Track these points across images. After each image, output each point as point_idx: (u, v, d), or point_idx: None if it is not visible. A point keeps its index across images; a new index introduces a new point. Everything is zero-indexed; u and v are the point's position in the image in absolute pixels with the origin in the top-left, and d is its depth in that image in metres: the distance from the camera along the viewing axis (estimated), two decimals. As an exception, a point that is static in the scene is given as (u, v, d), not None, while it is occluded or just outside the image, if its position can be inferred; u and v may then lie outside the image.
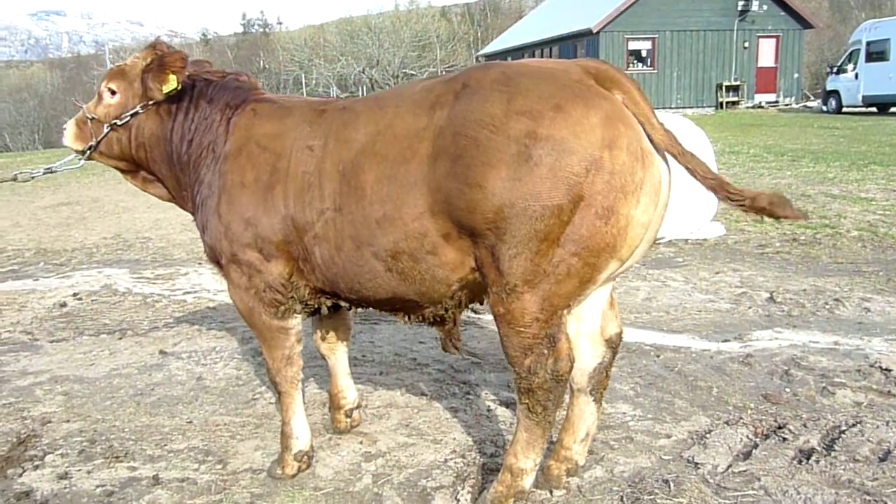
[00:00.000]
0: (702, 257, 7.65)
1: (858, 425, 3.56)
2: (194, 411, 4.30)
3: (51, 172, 3.77)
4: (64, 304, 7.22)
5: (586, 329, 3.04)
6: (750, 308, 5.79)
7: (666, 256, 7.77)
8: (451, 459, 3.57)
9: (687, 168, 2.65)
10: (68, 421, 4.26)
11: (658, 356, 4.81)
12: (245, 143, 3.15)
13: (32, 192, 16.80)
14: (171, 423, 4.14)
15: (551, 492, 3.17)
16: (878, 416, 3.70)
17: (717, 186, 2.65)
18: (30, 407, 4.49)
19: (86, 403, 4.52)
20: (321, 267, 3.03)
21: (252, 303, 3.22)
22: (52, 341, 5.86)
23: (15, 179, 3.81)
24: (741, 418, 3.76)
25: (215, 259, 3.28)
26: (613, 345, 3.08)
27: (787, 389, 4.14)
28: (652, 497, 3.06)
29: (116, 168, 3.62)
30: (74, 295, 7.57)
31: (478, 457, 3.57)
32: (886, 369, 4.30)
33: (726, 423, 3.74)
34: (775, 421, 3.70)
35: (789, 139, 18.83)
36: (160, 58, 3.26)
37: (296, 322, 3.32)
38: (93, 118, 3.46)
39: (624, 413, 3.97)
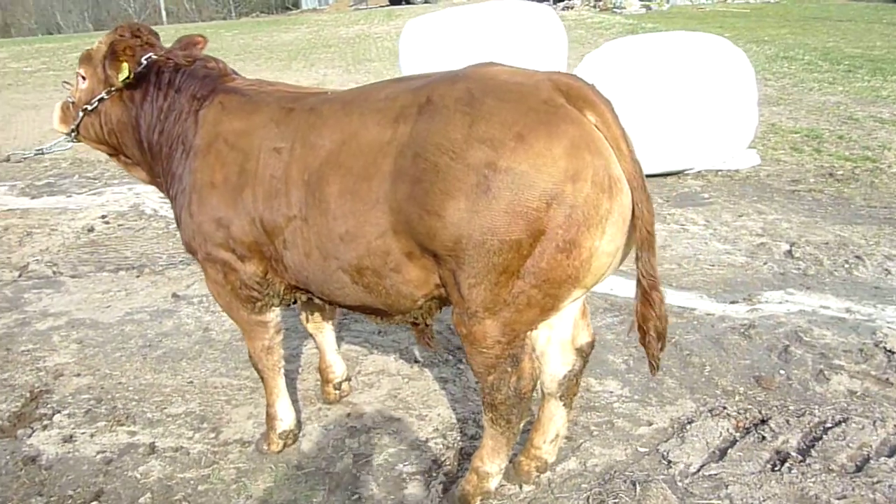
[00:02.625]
0: (729, 193, 7.40)
1: (843, 424, 3.51)
2: (196, 369, 4.46)
3: (41, 154, 3.81)
4: (91, 229, 7.43)
5: (557, 337, 3.01)
6: (766, 263, 5.63)
7: (692, 191, 7.54)
8: (432, 439, 3.66)
9: (635, 206, 2.52)
10: (79, 375, 4.47)
11: (659, 322, 4.76)
12: (213, 139, 3.09)
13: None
14: (172, 383, 4.31)
15: (521, 486, 3.25)
16: (868, 411, 3.64)
17: (648, 248, 2.55)
18: (45, 356, 4.72)
19: (97, 354, 4.72)
20: (292, 269, 3.03)
21: (229, 297, 3.25)
22: (73, 276, 6.07)
23: (8, 160, 3.87)
24: (725, 408, 3.74)
25: (192, 252, 3.30)
26: (584, 354, 3.05)
27: (782, 371, 4.08)
28: (616, 500, 3.11)
29: (100, 151, 3.63)
30: (103, 217, 7.77)
31: (458, 438, 3.66)
32: (890, 350, 4.19)
33: (710, 411, 3.73)
34: (759, 413, 3.68)
35: (851, 40, 17.67)
36: (111, 45, 3.19)
37: (274, 315, 3.36)
38: (73, 102, 3.45)
39: (611, 392, 3.99)
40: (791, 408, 3.72)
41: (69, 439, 3.82)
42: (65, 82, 3.93)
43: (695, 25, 22.04)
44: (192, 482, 3.45)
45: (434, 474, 3.39)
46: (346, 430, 3.78)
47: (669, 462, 3.36)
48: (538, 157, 2.41)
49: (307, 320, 3.82)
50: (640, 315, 2.70)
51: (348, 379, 4.02)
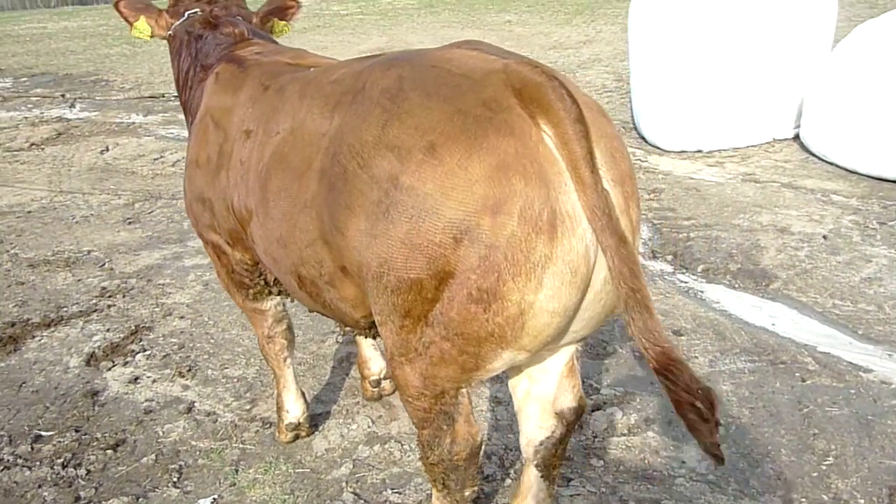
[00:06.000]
0: None
1: None
2: (277, 333, 4.41)
3: None
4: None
5: (537, 392, 2.38)
6: None
7: (959, 210, 5.83)
8: (444, 468, 3.21)
9: (604, 254, 1.79)
10: (182, 317, 4.67)
11: (803, 381, 3.72)
12: (205, 114, 2.89)
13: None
14: (248, 343, 4.32)
15: (497, 557, 2.71)
16: None
17: (636, 307, 1.77)
18: (171, 293, 5.02)
19: (210, 300, 4.90)
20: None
21: (226, 280, 3.08)
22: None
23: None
24: (817, 525, 2.78)
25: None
26: (566, 420, 2.38)
27: (939, 490, 2.94)
28: None
29: None
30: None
31: (473, 474, 3.16)
32: None
33: (794, 524, 2.80)
34: (862, 545, 2.68)
35: None
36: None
37: (272, 304, 3.12)
38: None
39: (682, 463, 3.18)
40: (916, 550, 2.66)
41: (134, 381, 4.00)
42: None
43: None
44: (197, 453, 3.40)
45: (417, 512, 2.97)
46: (366, 434, 3.47)
47: (694, 580, 2.58)
48: (448, 176, 1.82)
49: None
50: (670, 399, 1.89)
51: (387, 378, 3.68)
